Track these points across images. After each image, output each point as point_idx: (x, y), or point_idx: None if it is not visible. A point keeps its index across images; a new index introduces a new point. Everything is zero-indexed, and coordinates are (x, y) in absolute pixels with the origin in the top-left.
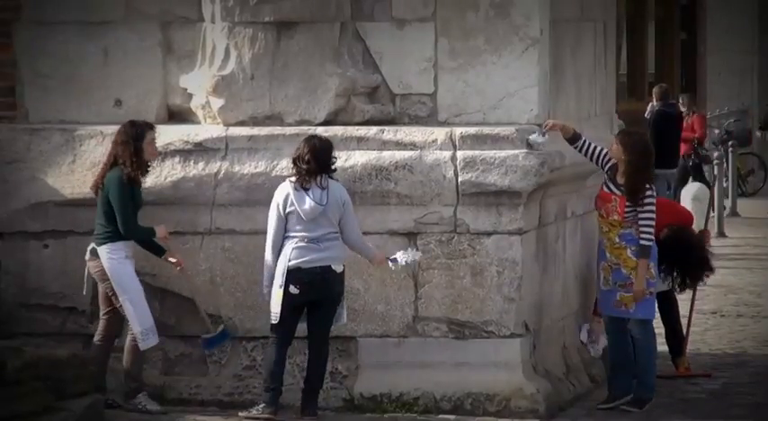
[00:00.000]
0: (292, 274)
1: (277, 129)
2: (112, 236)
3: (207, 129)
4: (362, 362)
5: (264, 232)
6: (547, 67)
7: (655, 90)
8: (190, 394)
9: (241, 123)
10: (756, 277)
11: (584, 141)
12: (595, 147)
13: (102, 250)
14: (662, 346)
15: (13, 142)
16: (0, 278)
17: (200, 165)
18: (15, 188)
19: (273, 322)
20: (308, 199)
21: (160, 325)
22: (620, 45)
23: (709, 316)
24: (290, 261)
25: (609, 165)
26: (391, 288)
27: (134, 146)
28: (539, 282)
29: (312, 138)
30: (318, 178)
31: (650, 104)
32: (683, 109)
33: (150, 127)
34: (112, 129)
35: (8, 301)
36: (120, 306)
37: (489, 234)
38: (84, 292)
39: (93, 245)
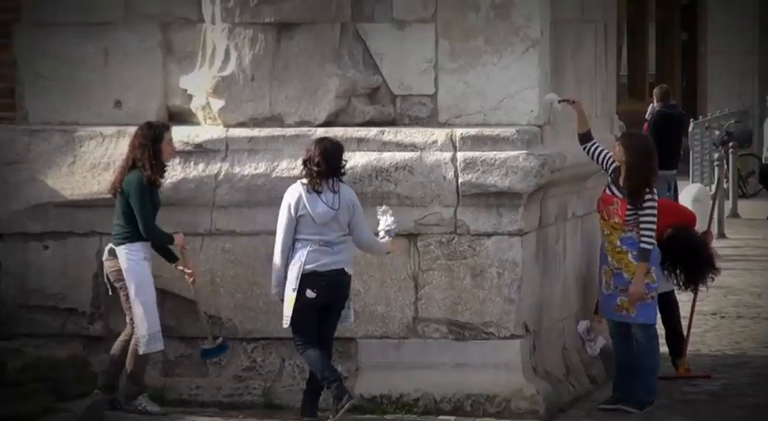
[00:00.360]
0: (309, 278)
1: (277, 131)
2: (131, 236)
3: (207, 131)
4: (362, 363)
5: (265, 233)
6: (547, 69)
7: (655, 91)
8: (190, 395)
9: (241, 124)
10: (756, 278)
11: (593, 143)
12: (602, 151)
13: (121, 250)
14: (662, 347)
15: (12, 143)
16: (0, 279)
17: (201, 166)
18: (15, 189)
19: (285, 326)
20: (320, 203)
21: (161, 326)
22: (620, 46)
23: (709, 317)
24: (305, 265)
25: (612, 167)
26: (391, 289)
27: (152, 148)
28: (539, 283)
29: (323, 140)
30: (330, 181)
31: (651, 105)
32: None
33: (167, 127)
34: (112, 131)
35: (8, 302)
36: (130, 307)
37: (489, 235)
38: (110, 293)
39: (110, 245)
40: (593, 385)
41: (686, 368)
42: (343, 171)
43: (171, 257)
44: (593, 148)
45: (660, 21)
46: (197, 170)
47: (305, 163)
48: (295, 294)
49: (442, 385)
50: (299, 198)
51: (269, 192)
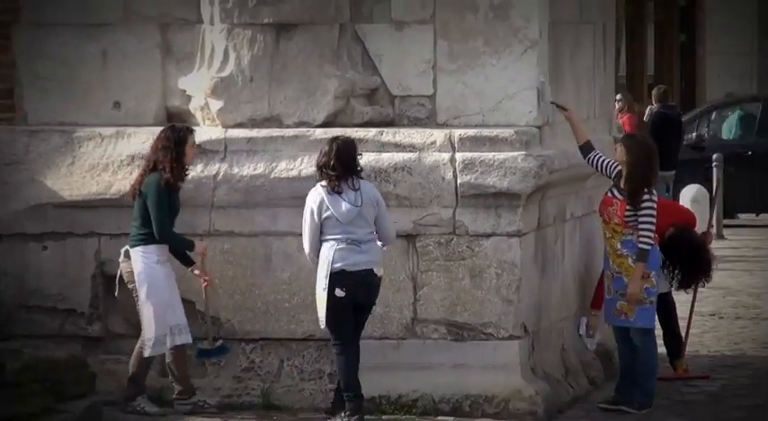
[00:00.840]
0: (337, 277)
1: (276, 131)
2: (146, 239)
3: (206, 131)
4: (361, 364)
5: (263, 234)
6: (546, 69)
7: (654, 92)
8: None
9: (240, 125)
10: (755, 279)
11: (596, 154)
12: (604, 159)
13: (136, 252)
14: (660, 348)
15: (11, 144)
16: None
17: (199, 166)
18: (14, 190)
19: (322, 327)
20: (343, 202)
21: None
22: (619, 47)
23: (707, 318)
24: (333, 263)
25: (615, 172)
26: (390, 290)
27: (175, 151)
28: (537, 283)
29: (334, 141)
30: (349, 180)
31: (648, 107)
32: (617, 106)
33: (190, 131)
34: (111, 132)
35: (7, 303)
36: (139, 307)
37: (488, 236)
38: (116, 294)
39: (126, 247)
40: (592, 386)
41: (684, 369)
42: (359, 167)
43: (187, 261)
44: (595, 158)
45: (659, 22)
46: (195, 171)
47: (321, 169)
48: (326, 293)
49: (440, 386)
50: (322, 201)
51: (267, 193)
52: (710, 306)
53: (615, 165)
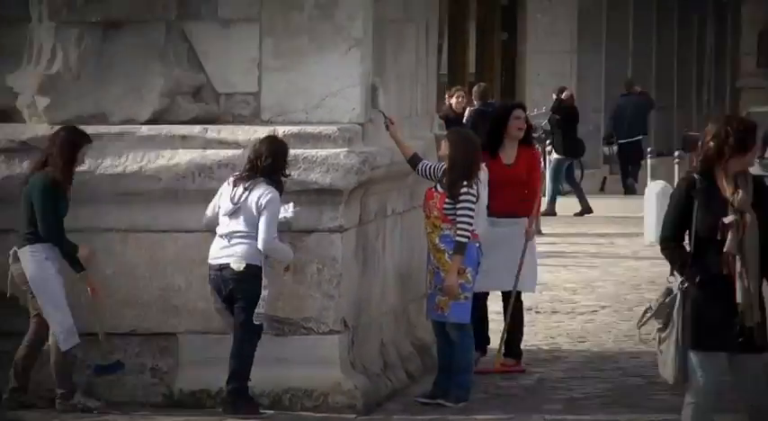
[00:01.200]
0: (209, 269)
1: (102, 128)
2: (32, 238)
3: (32, 128)
4: (183, 358)
5: (87, 230)
6: (369, 67)
7: (474, 90)
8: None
9: (66, 122)
10: (571, 274)
11: (423, 163)
12: (432, 165)
13: (24, 253)
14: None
15: None
16: None
17: (26, 163)
18: None
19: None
20: (225, 197)
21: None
22: (441, 45)
23: (525, 312)
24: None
25: (442, 170)
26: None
27: (69, 152)
28: (358, 279)
29: (262, 140)
30: (248, 181)
31: (468, 107)
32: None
33: (88, 140)
34: None
35: None
36: (38, 308)
37: (310, 232)
38: (8, 295)
39: (14, 248)
40: (410, 380)
41: (502, 362)
42: (268, 170)
43: (77, 267)
44: (423, 168)
45: (480, 20)
46: (22, 168)
47: None
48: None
49: (261, 380)
50: (219, 192)
51: (93, 190)
52: (527, 300)
53: (441, 165)
